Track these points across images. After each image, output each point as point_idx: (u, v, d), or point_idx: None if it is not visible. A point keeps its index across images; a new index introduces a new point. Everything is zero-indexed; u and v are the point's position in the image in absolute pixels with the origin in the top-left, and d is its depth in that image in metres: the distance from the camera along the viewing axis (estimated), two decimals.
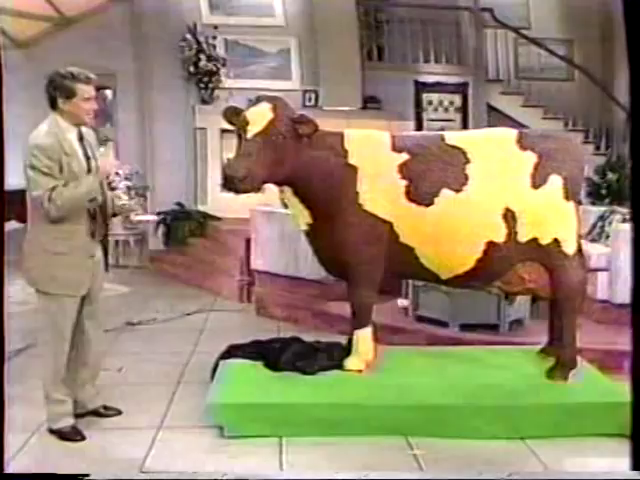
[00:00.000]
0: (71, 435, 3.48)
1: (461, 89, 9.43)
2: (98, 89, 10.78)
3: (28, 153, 3.25)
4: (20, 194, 3.40)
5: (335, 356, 4.02)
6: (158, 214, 8.57)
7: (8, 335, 2.62)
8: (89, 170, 3.42)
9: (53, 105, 3.37)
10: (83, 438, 3.49)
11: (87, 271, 3.45)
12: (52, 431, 3.51)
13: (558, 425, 3.61)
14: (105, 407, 3.80)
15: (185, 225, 8.33)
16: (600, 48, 10.29)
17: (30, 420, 3.59)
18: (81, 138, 3.44)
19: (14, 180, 3.36)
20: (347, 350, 4.02)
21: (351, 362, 3.96)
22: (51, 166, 3.24)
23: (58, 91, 3.33)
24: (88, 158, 3.45)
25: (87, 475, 2.76)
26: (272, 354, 4.09)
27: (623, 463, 3.45)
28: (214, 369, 4.12)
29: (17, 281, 3.59)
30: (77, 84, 3.33)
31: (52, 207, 3.23)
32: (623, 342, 4.80)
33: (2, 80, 2.67)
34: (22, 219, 7.05)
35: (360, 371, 3.94)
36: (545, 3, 10.28)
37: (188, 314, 6.25)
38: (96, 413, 3.77)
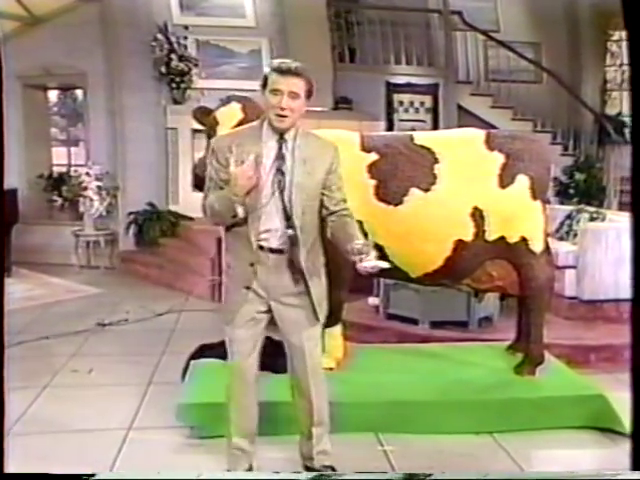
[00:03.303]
0: None
1: (432, 90, 9.50)
2: (68, 89, 10.61)
3: None
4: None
5: None
6: (129, 214, 8.53)
7: (8, 335, 2.59)
8: (281, 190, 2.77)
9: None
10: None
11: (236, 303, 2.89)
12: None
13: (526, 419, 3.67)
14: (325, 466, 3.09)
15: (156, 225, 8.29)
16: (567, 51, 10.47)
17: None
18: (280, 148, 2.78)
19: None
20: None
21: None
22: (218, 169, 2.80)
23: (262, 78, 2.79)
24: (282, 173, 2.77)
25: (93, 475, 2.73)
26: None
27: (590, 455, 3.55)
28: (185, 369, 4.11)
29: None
30: (272, 74, 2.72)
31: (204, 213, 2.88)
32: (590, 337, 4.94)
33: (2, 81, 2.61)
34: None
35: (331, 369, 3.95)
36: (514, 7, 10.41)
37: (159, 314, 6.22)
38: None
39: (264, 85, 2.76)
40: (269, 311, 2.93)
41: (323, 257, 3.00)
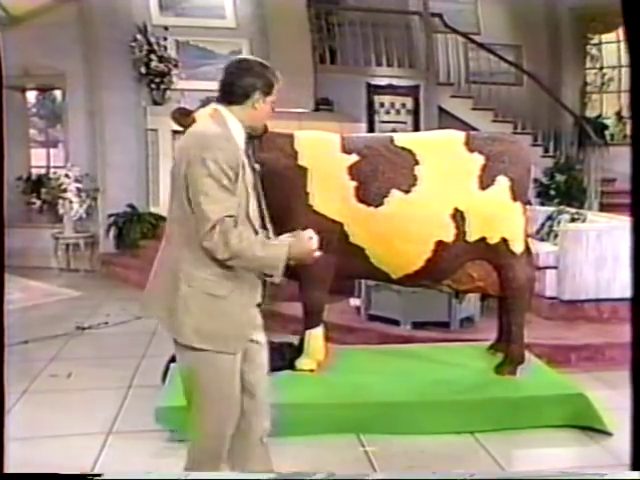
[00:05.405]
0: None
1: (412, 92, 9.53)
2: (47, 90, 10.46)
3: (206, 156, 2.35)
4: None
5: (287, 356, 4.02)
6: (109, 216, 8.46)
7: (8, 336, 2.55)
8: (255, 187, 2.57)
9: (233, 99, 2.48)
10: None
11: (248, 323, 2.50)
12: None
13: (507, 418, 3.68)
14: None
15: (137, 227, 8.23)
16: (547, 54, 10.56)
17: None
18: (248, 148, 2.62)
19: None
20: (299, 350, 4.03)
21: (302, 362, 3.97)
22: (231, 177, 2.37)
23: (259, 82, 2.46)
24: (254, 171, 2.60)
25: (99, 475, 2.69)
26: None
27: (571, 453, 3.57)
28: (165, 372, 4.08)
29: None
30: (276, 84, 2.52)
31: (221, 244, 2.28)
32: (570, 337, 4.97)
33: (2, 80, 2.56)
34: None
35: (312, 371, 3.95)
36: (494, 10, 10.48)
37: (140, 317, 6.16)
38: None
39: (268, 92, 2.51)
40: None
41: None
